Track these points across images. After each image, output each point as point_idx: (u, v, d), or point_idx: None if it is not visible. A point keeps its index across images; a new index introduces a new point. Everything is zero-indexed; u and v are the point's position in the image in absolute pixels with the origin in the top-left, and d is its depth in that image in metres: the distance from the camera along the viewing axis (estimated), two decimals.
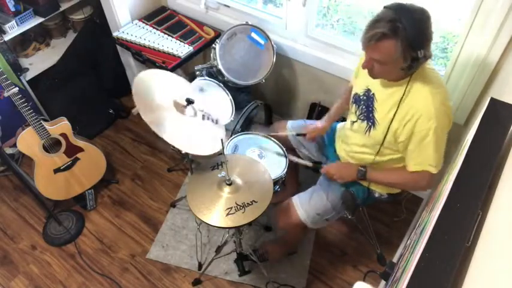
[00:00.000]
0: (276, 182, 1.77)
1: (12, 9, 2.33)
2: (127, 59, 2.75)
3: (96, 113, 2.92)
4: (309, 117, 2.47)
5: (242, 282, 2.11)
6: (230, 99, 2.08)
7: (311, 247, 2.23)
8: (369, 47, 1.33)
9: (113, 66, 2.86)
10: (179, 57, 2.31)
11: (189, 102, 1.67)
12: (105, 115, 2.95)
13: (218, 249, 2.09)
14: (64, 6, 2.57)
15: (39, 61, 2.67)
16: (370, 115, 1.56)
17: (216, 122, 1.76)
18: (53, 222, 2.37)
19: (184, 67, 2.52)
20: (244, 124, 2.20)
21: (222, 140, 1.51)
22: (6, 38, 2.34)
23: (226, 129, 1.92)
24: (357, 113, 1.64)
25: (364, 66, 1.41)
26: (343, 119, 1.90)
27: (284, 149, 1.89)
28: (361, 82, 1.61)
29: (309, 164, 1.80)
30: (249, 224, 1.53)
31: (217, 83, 2.14)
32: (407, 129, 1.43)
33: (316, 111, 2.41)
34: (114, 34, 2.46)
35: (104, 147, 2.78)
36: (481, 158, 0.94)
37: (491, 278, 0.67)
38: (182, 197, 2.46)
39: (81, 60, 2.78)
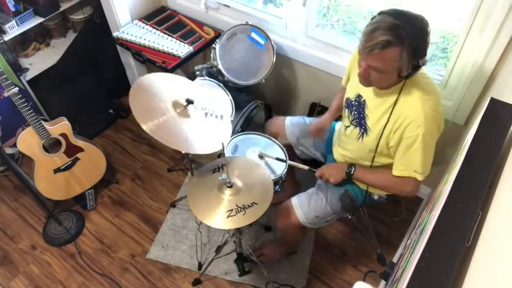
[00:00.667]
0: (275, 183, 1.77)
1: (12, 9, 2.33)
2: (127, 59, 2.75)
3: (96, 113, 2.91)
4: (309, 117, 2.47)
5: (242, 282, 2.11)
6: (230, 99, 2.08)
7: (311, 247, 2.23)
8: (369, 56, 1.29)
9: (113, 66, 2.86)
10: (179, 57, 2.31)
11: (189, 102, 1.67)
12: (105, 115, 2.95)
13: (218, 249, 2.09)
14: (64, 6, 2.57)
15: (39, 61, 2.67)
16: (362, 122, 1.56)
17: (221, 118, 1.75)
18: (53, 222, 2.37)
19: (184, 67, 2.52)
20: (244, 124, 2.20)
21: (222, 143, 1.51)
22: (6, 38, 2.34)
23: None
24: (350, 118, 1.64)
25: (360, 74, 1.38)
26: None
27: (284, 149, 1.89)
28: (353, 87, 1.61)
29: (306, 167, 1.80)
30: (249, 224, 1.53)
31: (217, 83, 2.14)
32: (397, 134, 1.43)
33: (316, 111, 2.41)
34: (114, 34, 2.46)
35: (104, 147, 2.78)
36: (481, 158, 0.94)
37: (491, 278, 0.67)
38: (182, 197, 2.47)
39: (81, 60, 2.78)
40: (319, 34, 2.16)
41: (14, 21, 2.33)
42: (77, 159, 2.28)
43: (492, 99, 1.10)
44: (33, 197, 2.30)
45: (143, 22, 2.54)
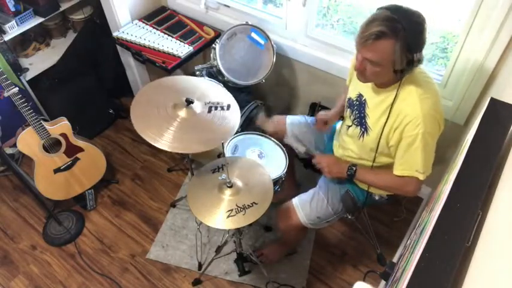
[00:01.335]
0: (275, 183, 1.77)
1: (12, 9, 2.33)
2: (127, 59, 2.75)
3: (96, 113, 2.91)
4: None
5: (242, 282, 2.11)
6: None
7: (311, 247, 2.23)
8: (364, 47, 1.30)
9: (113, 66, 2.86)
10: (179, 57, 2.31)
11: (189, 102, 1.67)
12: (105, 115, 2.95)
13: (218, 249, 2.09)
14: (64, 6, 2.56)
15: (39, 61, 2.67)
16: (363, 121, 1.56)
17: (228, 108, 1.73)
18: (53, 222, 2.37)
19: (184, 67, 2.52)
20: (244, 124, 2.20)
21: (222, 143, 1.51)
22: (6, 38, 2.34)
23: None
24: (351, 117, 1.64)
25: (356, 68, 1.40)
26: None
27: (284, 150, 1.89)
28: (354, 87, 1.62)
29: (302, 149, 1.80)
30: (249, 224, 1.53)
31: (217, 83, 2.14)
32: (397, 134, 1.43)
33: (316, 111, 2.40)
34: (114, 34, 2.46)
35: (104, 147, 2.78)
36: (481, 158, 0.94)
37: (491, 278, 0.67)
38: (182, 197, 2.47)
39: (81, 60, 2.78)
40: (319, 34, 2.16)
41: (14, 21, 2.33)
42: (77, 159, 2.28)
43: (492, 99, 1.10)
44: (33, 197, 2.30)
45: (143, 22, 2.54)
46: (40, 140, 2.09)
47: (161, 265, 2.20)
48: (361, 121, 1.57)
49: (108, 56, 2.81)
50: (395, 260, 1.93)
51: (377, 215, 2.33)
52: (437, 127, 1.41)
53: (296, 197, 1.80)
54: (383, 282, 1.63)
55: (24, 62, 2.65)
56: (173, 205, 2.45)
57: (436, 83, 1.48)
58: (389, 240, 2.24)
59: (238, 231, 1.92)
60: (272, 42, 2.17)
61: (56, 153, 2.18)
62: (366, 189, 1.69)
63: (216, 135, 1.63)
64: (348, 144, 1.71)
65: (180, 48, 2.35)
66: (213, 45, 2.14)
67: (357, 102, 1.59)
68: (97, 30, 2.74)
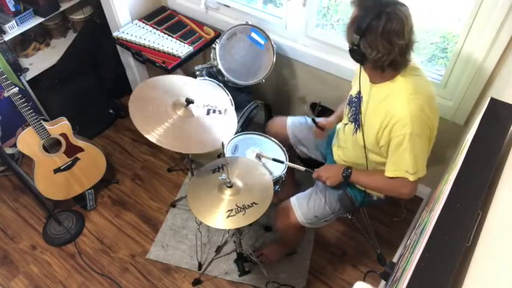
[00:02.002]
0: (275, 183, 1.77)
1: (12, 9, 2.33)
2: (127, 59, 2.75)
3: (96, 113, 2.91)
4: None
5: (242, 282, 2.11)
6: (230, 99, 2.08)
7: (311, 247, 2.23)
8: None
9: (113, 66, 2.86)
10: (179, 57, 2.31)
11: (189, 102, 1.67)
12: (105, 115, 2.95)
13: (218, 249, 2.09)
14: (64, 6, 2.57)
15: (39, 61, 2.67)
16: (357, 117, 1.57)
17: (225, 112, 1.74)
18: (53, 222, 2.37)
19: (184, 67, 2.52)
20: (244, 124, 2.20)
21: (222, 143, 1.51)
22: (6, 38, 2.34)
23: None
24: (349, 114, 1.65)
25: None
26: None
27: (284, 150, 1.89)
28: (356, 86, 1.62)
29: (302, 169, 1.80)
30: (249, 224, 1.53)
31: (217, 83, 2.14)
32: (386, 133, 1.42)
33: (316, 111, 2.40)
34: (114, 34, 2.46)
35: (104, 147, 2.78)
36: (481, 158, 0.94)
37: (491, 278, 0.67)
38: (182, 197, 2.47)
39: (81, 60, 2.78)
40: (319, 34, 2.16)
41: (14, 21, 2.33)
42: (77, 159, 2.28)
43: (492, 99, 1.09)
44: (33, 197, 2.30)
45: (143, 22, 2.54)
46: (40, 140, 2.09)
47: (161, 265, 2.20)
48: (355, 117, 1.58)
49: (108, 56, 2.81)
50: (395, 260, 1.93)
51: (377, 215, 2.33)
52: (427, 128, 1.39)
53: (294, 196, 1.80)
54: (383, 282, 1.63)
55: (24, 62, 2.65)
56: (173, 205, 2.45)
57: (431, 84, 1.47)
58: (390, 240, 2.24)
59: (238, 231, 1.92)
60: (272, 42, 2.17)
61: (56, 153, 2.18)
62: (363, 189, 1.70)
63: (210, 138, 1.64)
64: (344, 142, 1.71)
65: (180, 48, 2.35)
66: (213, 45, 2.14)
67: (356, 99, 1.60)
68: (97, 30, 2.74)
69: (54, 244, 2.32)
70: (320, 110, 2.39)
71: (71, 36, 2.83)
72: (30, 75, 2.57)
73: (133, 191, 2.57)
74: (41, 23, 2.51)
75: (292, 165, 1.81)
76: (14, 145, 2.50)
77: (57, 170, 2.23)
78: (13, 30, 2.35)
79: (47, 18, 2.48)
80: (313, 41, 2.18)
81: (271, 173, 1.78)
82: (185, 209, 2.42)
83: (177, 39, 2.42)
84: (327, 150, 1.92)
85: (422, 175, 1.44)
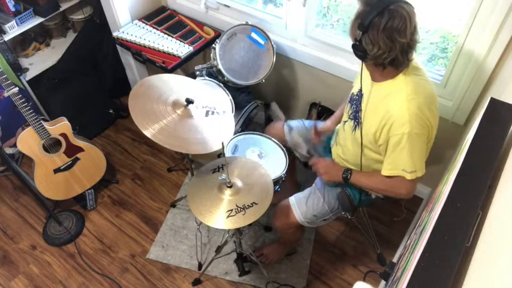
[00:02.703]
0: (276, 182, 1.77)
1: (12, 9, 2.33)
2: (127, 59, 2.75)
3: (96, 113, 2.91)
4: (309, 117, 2.47)
5: (242, 282, 2.11)
6: (230, 99, 2.08)
7: (311, 247, 2.23)
8: None
9: (113, 66, 2.86)
10: (179, 57, 2.31)
11: (189, 102, 1.67)
12: (105, 115, 2.95)
13: (218, 249, 2.09)
14: (64, 6, 2.57)
15: (39, 61, 2.67)
16: (357, 114, 1.57)
17: (224, 113, 1.75)
18: (53, 222, 2.37)
19: (184, 67, 2.52)
20: (244, 124, 2.20)
21: (222, 143, 1.51)
22: (6, 38, 2.34)
23: None
24: (349, 112, 1.65)
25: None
26: None
27: (285, 150, 1.90)
28: (358, 84, 1.62)
29: (304, 148, 1.81)
30: (249, 224, 1.53)
31: (217, 83, 2.14)
32: (384, 133, 1.43)
33: (316, 111, 2.41)
34: (114, 34, 2.46)
35: (104, 147, 2.78)
36: (481, 158, 0.94)
37: (491, 278, 0.67)
38: (182, 197, 2.47)
39: (81, 60, 2.78)
40: (319, 34, 2.16)
41: (14, 21, 2.33)
42: (77, 159, 2.28)
43: (492, 99, 1.09)
44: (33, 197, 2.30)
45: (143, 22, 2.54)
46: (40, 140, 2.09)
47: (161, 265, 2.20)
48: (355, 115, 1.58)
49: (108, 56, 2.81)
50: (395, 260, 1.93)
51: (377, 215, 2.33)
52: (426, 128, 1.39)
53: (293, 196, 1.81)
54: (383, 282, 1.64)
55: (24, 62, 2.65)
56: (173, 205, 2.45)
57: (432, 84, 1.47)
58: (390, 240, 2.24)
59: (238, 231, 1.92)
60: (272, 42, 2.17)
61: (56, 153, 2.18)
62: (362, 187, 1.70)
63: (210, 138, 1.64)
64: (344, 140, 1.71)
65: (180, 48, 2.35)
66: (213, 45, 2.14)
67: (357, 97, 1.60)
68: (97, 30, 2.74)
69: (54, 244, 2.32)
70: (320, 110, 2.39)
71: (71, 36, 2.83)
72: (30, 75, 2.57)
73: (134, 191, 2.57)
74: (41, 23, 2.51)
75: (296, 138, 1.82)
76: (14, 145, 2.51)
77: (57, 170, 2.23)
78: (13, 30, 2.35)
79: (47, 18, 2.48)
80: (313, 41, 2.18)
81: (273, 172, 1.78)
82: (185, 209, 2.42)
83: (177, 39, 2.42)
84: (325, 151, 1.92)
85: (421, 174, 1.44)
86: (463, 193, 0.88)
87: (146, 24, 2.52)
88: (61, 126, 2.15)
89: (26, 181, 2.18)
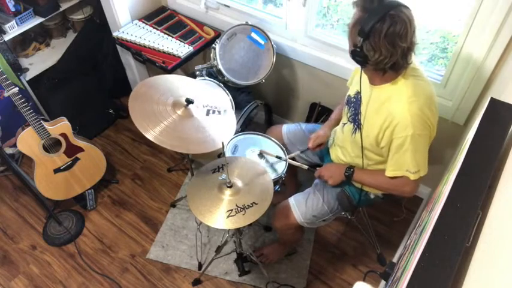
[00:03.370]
0: (275, 182, 1.77)
1: (12, 9, 2.33)
2: (127, 59, 2.75)
3: (96, 113, 2.92)
4: (309, 117, 2.47)
5: (242, 282, 2.11)
6: (230, 99, 2.08)
7: (311, 247, 2.23)
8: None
9: (113, 66, 2.86)
10: (179, 57, 2.31)
11: (189, 102, 1.67)
12: (105, 115, 2.95)
13: (218, 249, 2.09)
14: (64, 6, 2.57)
15: (39, 61, 2.67)
16: (357, 118, 1.57)
17: (225, 112, 1.75)
18: (53, 222, 2.37)
19: (184, 67, 2.52)
20: (244, 124, 2.20)
21: (222, 142, 1.51)
22: (6, 38, 2.34)
23: None
24: (348, 114, 1.65)
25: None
26: None
27: (284, 149, 1.89)
28: (354, 86, 1.63)
29: (305, 167, 1.80)
30: (249, 224, 1.53)
31: (217, 83, 2.14)
32: (387, 135, 1.43)
33: (316, 111, 2.41)
34: (114, 34, 2.46)
35: (104, 147, 2.78)
36: (481, 158, 0.94)
37: (491, 278, 0.67)
38: (182, 197, 2.47)
39: (81, 60, 2.78)
40: (319, 34, 2.16)
41: (14, 21, 2.33)
42: (77, 159, 2.28)
43: (492, 99, 1.09)
44: (33, 197, 2.30)
45: (143, 22, 2.54)
46: (40, 140, 2.09)
47: (161, 265, 2.20)
48: (355, 118, 1.59)
49: (108, 56, 2.81)
50: (395, 260, 1.93)
51: (377, 215, 2.33)
52: (427, 128, 1.40)
53: (292, 196, 1.81)
54: (383, 282, 1.64)
55: (24, 62, 2.65)
56: (173, 205, 2.45)
57: (431, 84, 1.48)
58: (390, 240, 2.24)
59: (238, 231, 1.91)
60: (272, 42, 2.17)
61: (56, 153, 2.18)
62: (361, 187, 1.70)
63: (210, 138, 1.64)
64: (342, 142, 1.71)
65: (180, 48, 2.35)
66: (213, 45, 2.14)
67: (354, 99, 1.60)
68: (97, 30, 2.74)
69: (54, 244, 2.32)
70: (320, 110, 2.39)
71: (71, 36, 2.83)
72: (30, 75, 2.57)
73: (134, 191, 2.57)
74: (41, 23, 2.51)
75: (294, 163, 1.81)
76: (14, 145, 2.51)
77: (57, 170, 2.23)
78: (13, 30, 2.35)
79: (47, 18, 2.48)
80: (313, 41, 2.18)
81: (273, 172, 1.78)
82: (185, 209, 2.42)
83: (177, 39, 2.42)
84: (323, 152, 1.92)
85: (424, 174, 1.45)
86: (463, 193, 0.88)
87: (146, 24, 2.52)
88: (61, 126, 2.15)
89: (26, 181, 2.18)
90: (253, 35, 2.19)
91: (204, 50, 2.45)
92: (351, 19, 1.35)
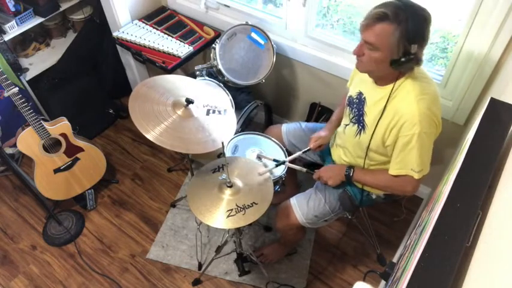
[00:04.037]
0: (276, 182, 1.77)
1: (12, 9, 2.33)
2: (127, 59, 2.75)
3: (96, 113, 2.91)
4: (309, 117, 2.47)
5: (242, 282, 2.11)
6: (230, 99, 2.08)
7: (311, 247, 2.23)
8: (366, 28, 1.34)
9: (113, 66, 2.86)
10: (179, 57, 2.31)
11: (189, 102, 1.67)
12: (105, 115, 2.95)
13: (218, 249, 2.09)
14: (64, 6, 2.57)
15: (39, 61, 2.67)
16: (361, 118, 1.57)
17: (225, 112, 1.75)
18: (53, 222, 2.37)
19: (184, 67, 2.52)
20: (244, 124, 2.20)
21: (222, 142, 1.51)
22: (6, 38, 2.34)
23: None
24: (350, 115, 1.65)
25: (355, 52, 1.42)
26: None
27: (284, 150, 1.89)
28: (355, 87, 1.63)
29: (304, 170, 1.80)
30: (249, 224, 1.53)
31: (217, 83, 2.14)
32: (393, 134, 1.43)
33: (316, 111, 2.41)
34: (114, 34, 2.46)
35: (104, 147, 2.78)
36: (481, 158, 0.94)
37: (491, 278, 0.67)
38: (182, 197, 2.47)
39: (81, 60, 2.78)
40: (319, 34, 2.16)
41: (14, 21, 2.33)
42: (77, 159, 2.28)
43: (492, 99, 1.09)
44: (33, 197, 2.30)
45: (143, 22, 2.54)
46: (40, 140, 2.09)
47: (161, 265, 2.20)
48: (359, 119, 1.58)
49: (108, 56, 2.81)
50: (395, 260, 1.93)
51: (377, 215, 2.33)
52: (434, 127, 1.41)
53: (294, 197, 1.80)
54: (383, 282, 1.64)
55: (24, 62, 2.65)
56: (173, 205, 2.45)
57: (435, 85, 1.48)
58: (390, 240, 2.24)
59: (238, 231, 1.91)
60: (272, 42, 2.17)
61: (56, 153, 2.18)
62: (361, 187, 1.70)
63: (210, 138, 1.64)
64: (344, 143, 1.71)
65: (180, 48, 2.35)
66: (213, 45, 2.14)
67: (357, 100, 1.59)
68: (97, 30, 2.74)
69: (54, 244, 2.32)
70: (320, 110, 2.39)
71: (71, 36, 2.83)
72: (30, 75, 2.57)
73: (134, 191, 2.57)
74: (41, 23, 2.51)
75: (293, 166, 1.81)
76: (14, 145, 2.50)
77: (57, 170, 2.23)
78: (13, 30, 2.35)
79: (47, 18, 2.48)
80: (313, 41, 2.18)
81: (273, 172, 1.78)
82: (185, 209, 2.42)
83: (177, 39, 2.42)
84: (324, 152, 1.92)
85: (426, 172, 1.46)
86: (463, 193, 0.88)
87: (146, 24, 2.52)
88: (61, 126, 2.15)
89: (26, 181, 2.18)
90: (253, 35, 2.19)
91: (204, 50, 2.46)
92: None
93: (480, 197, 0.85)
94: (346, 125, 1.68)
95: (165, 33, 2.46)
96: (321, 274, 2.14)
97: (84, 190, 2.41)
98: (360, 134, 1.58)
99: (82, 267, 2.22)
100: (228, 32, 2.15)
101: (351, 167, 1.63)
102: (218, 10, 2.46)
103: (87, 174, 2.37)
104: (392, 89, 1.42)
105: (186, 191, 2.42)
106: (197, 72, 2.17)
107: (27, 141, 2.06)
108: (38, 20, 2.45)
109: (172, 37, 2.43)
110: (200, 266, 2.16)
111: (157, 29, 2.49)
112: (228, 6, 2.39)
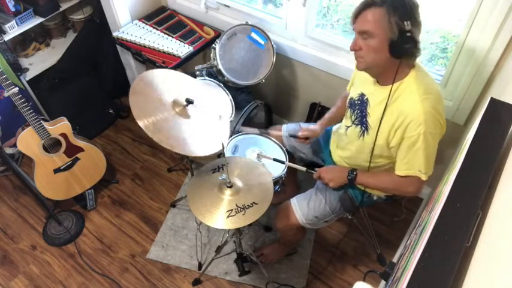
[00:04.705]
0: (276, 182, 1.77)
1: (12, 9, 2.33)
2: (127, 59, 2.75)
3: (96, 113, 2.91)
4: (309, 117, 2.47)
5: (242, 282, 2.11)
6: (230, 99, 2.08)
7: (311, 247, 2.23)
8: (357, 20, 1.35)
9: (113, 66, 2.86)
10: (179, 57, 2.31)
11: (189, 102, 1.67)
12: (105, 115, 2.95)
13: (218, 249, 2.09)
14: (64, 6, 2.57)
15: (39, 61, 2.67)
16: (364, 120, 1.56)
17: (220, 118, 1.75)
18: (53, 222, 2.37)
19: (184, 67, 2.52)
20: (244, 124, 2.20)
21: (222, 143, 1.51)
22: (6, 38, 2.34)
23: None
24: (352, 117, 1.63)
25: (351, 47, 1.42)
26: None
27: (284, 150, 1.89)
28: (357, 88, 1.62)
29: (304, 169, 1.79)
30: (249, 224, 1.53)
31: (217, 83, 2.14)
32: (398, 134, 1.42)
33: (316, 111, 2.41)
34: (114, 34, 2.46)
35: (104, 147, 2.78)
36: (481, 158, 0.94)
37: (491, 278, 0.67)
38: (182, 197, 2.47)
39: (81, 60, 2.78)
40: (319, 34, 2.16)
41: (14, 21, 2.33)
42: (77, 159, 2.28)
43: (492, 99, 1.09)
44: (33, 197, 2.30)
45: (143, 22, 2.54)
46: (40, 140, 2.09)
47: (161, 265, 2.20)
48: (362, 120, 1.57)
49: (108, 56, 2.81)
50: (395, 260, 1.93)
51: (377, 215, 2.33)
52: (439, 127, 1.40)
53: (294, 197, 1.80)
54: (383, 282, 1.64)
55: (24, 62, 2.65)
56: (173, 205, 2.45)
57: (437, 83, 1.48)
58: (390, 240, 2.24)
59: (238, 231, 1.91)
60: (272, 42, 2.17)
61: (56, 153, 2.18)
62: (363, 188, 1.69)
63: (210, 140, 1.64)
64: (347, 145, 1.70)
65: (180, 48, 2.35)
66: (213, 45, 2.14)
67: (359, 102, 1.59)
68: (97, 30, 2.74)
69: (54, 244, 2.32)
70: (320, 110, 2.39)
71: (71, 36, 2.84)
72: (30, 75, 2.57)
73: (134, 191, 2.57)
74: (41, 23, 2.51)
75: (293, 165, 1.81)
76: (14, 145, 2.50)
77: (57, 170, 2.23)
78: (13, 30, 2.35)
79: (47, 18, 2.48)
80: (313, 41, 2.18)
81: (273, 172, 1.78)
82: (185, 209, 2.42)
83: (177, 39, 2.42)
84: (324, 153, 1.92)
85: (431, 173, 1.45)
86: (463, 193, 0.88)
87: (146, 24, 2.52)
88: (61, 126, 2.15)
89: (26, 181, 2.18)
90: (253, 35, 2.19)
91: (204, 50, 2.46)
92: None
93: (480, 197, 0.85)
94: (348, 126, 1.67)
95: (165, 33, 2.46)
96: (321, 274, 2.14)
97: (84, 190, 2.41)
98: (364, 135, 1.58)
99: (82, 267, 2.22)
100: (228, 32, 2.15)
101: (353, 170, 1.61)
102: (218, 10, 2.47)
103: (87, 174, 2.37)
104: (393, 84, 1.40)
105: (186, 191, 2.42)
106: (197, 72, 2.17)
107: (27, 141, 2.06)
108: (38, 20, 2.45)
109: (172, 37, 2.43)
110: (200, 266, 2.16)
111: (157, 29, 2.49)
112: (228, 6, 2.39)
